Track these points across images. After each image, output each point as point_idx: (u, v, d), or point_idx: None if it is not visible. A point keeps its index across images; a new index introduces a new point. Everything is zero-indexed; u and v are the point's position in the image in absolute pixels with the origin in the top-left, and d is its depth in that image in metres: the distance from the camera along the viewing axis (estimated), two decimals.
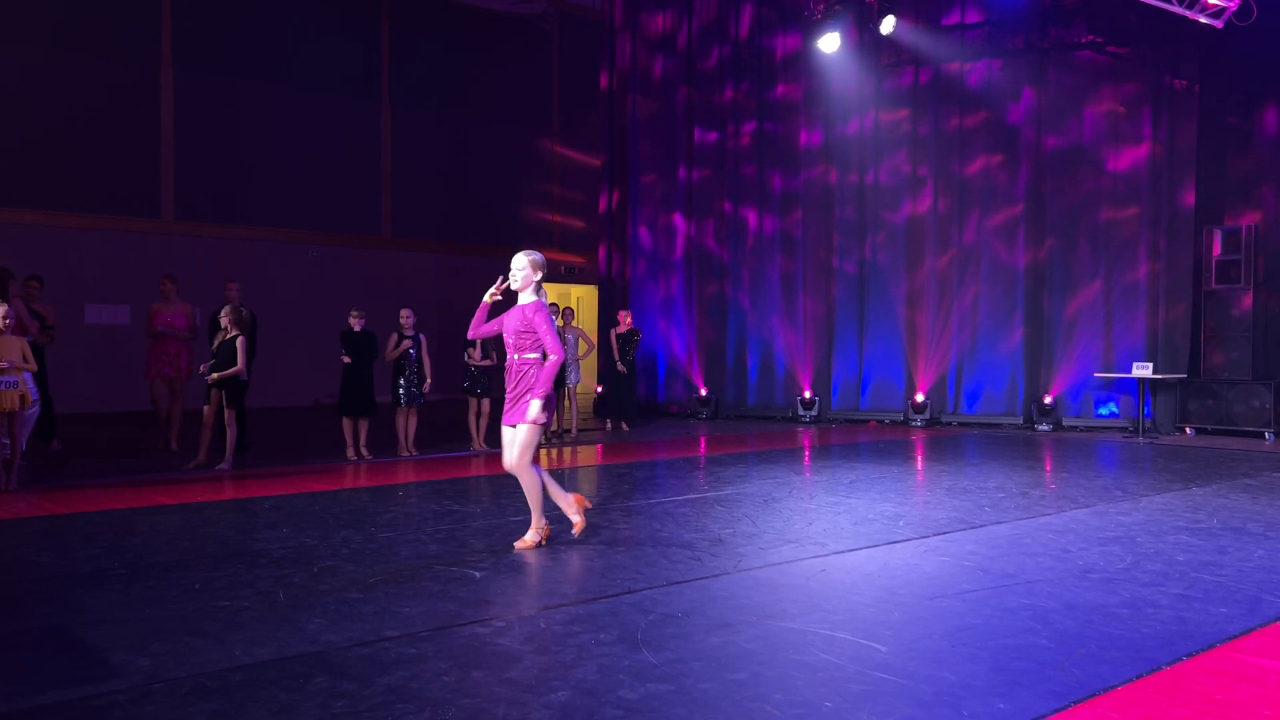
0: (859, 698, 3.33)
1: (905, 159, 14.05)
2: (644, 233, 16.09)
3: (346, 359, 9.65)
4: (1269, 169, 12.42)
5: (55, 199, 14.75)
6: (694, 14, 15.64)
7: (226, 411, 8.84)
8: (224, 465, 8.84)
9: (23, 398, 7.59)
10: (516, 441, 5.50)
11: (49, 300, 10.15)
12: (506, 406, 5.58)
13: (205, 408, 8.93)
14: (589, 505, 6.02)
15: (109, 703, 3.28)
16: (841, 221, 14.35)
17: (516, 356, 5.51)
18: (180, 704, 3.27)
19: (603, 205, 16.91)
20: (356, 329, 9.75)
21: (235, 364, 8.79)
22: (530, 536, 5.66)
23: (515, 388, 5.50)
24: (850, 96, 14.26)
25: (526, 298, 5.57)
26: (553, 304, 12.07)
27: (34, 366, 7.75)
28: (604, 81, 16.77)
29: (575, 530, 5.77)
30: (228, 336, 8.86)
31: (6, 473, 7.60)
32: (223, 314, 9.03)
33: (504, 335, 5.63)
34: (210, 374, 8.81)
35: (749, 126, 15.11)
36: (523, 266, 5.57)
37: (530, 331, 5.47)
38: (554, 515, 5.91)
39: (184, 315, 10.32)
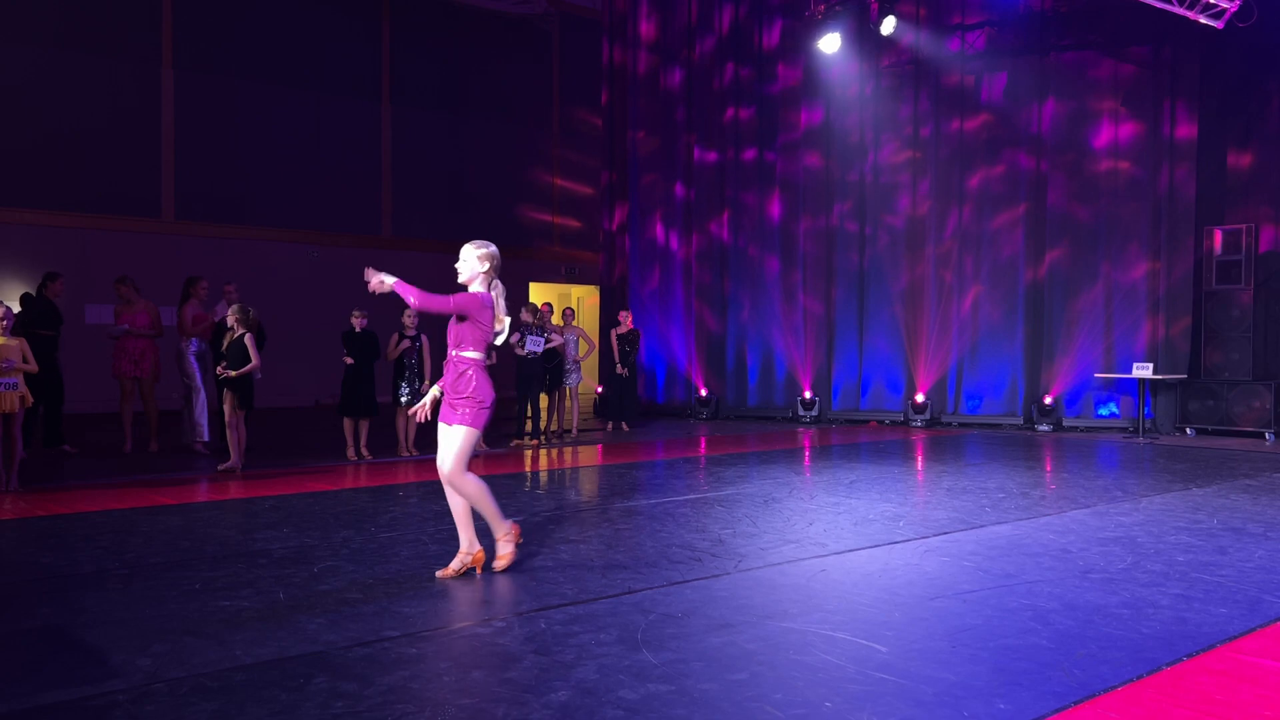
0: (859, 698, 3.33)
1: (905, 159, 14.04)
2: (645, 232, 16.08)
3: (348, 360, 9.65)
4: (1270, 169, 12.42)
5: (56, 199, 14.76)
6: (691, 5, 15.65)
7: (238, 412, 8.85)
8: (233, 464, 8.85)
9: (22, 399, 7.59)
10: (450, 446, 4.88)
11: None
12: (445, 403, 5.00)
13: (226, 406, 8.94)
14: (520, 541, 5.21)
15: (109, 703, 3.28)
16: (842, 221, 14.34)
17: (454, 353, 4.93)
18: (180, 704, 3.26)
19: (603, 204, 16.93)
20: (358, 329, 9.75)
21: (248, 362, 8.80)
22: (504, 549, 5.05)
23: (451, 387, 4.93)
24: (850, 97, 14.26)
25: (475, 289, 4.97)
26: (547, 303, 12.04)
27: (34, 367, 7.74)
28: (605, 77, 16.80)
29: (499, 563, 5.04)
30: (235, 335, 8.88)
31: (7, 473, 7.61)
32: (229, 314, 9.04)
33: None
34: (227, 373, 8.81)
35: (748, 124, 15.10)
36: (467, 258, 4.97)
37: (464, 328, 4.90)
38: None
39: (145, 314, 10.32)
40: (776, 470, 9.06)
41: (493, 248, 5.05)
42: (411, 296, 4.72)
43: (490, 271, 5.01)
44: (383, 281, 4.76)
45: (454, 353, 4.95)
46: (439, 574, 4.97)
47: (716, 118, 15.37)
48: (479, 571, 5.03)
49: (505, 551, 5.06)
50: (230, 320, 8.98)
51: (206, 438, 10.09)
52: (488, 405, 4.97)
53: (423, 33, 18.49)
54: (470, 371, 4.92)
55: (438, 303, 4.81)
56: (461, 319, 4.93)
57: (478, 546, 5.06)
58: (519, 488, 8.13)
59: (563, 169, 20.69)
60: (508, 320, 5.08)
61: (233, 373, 8.77)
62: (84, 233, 14.88)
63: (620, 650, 3.81)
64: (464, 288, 5.02)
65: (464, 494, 4.94)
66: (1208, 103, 12.40)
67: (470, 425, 4.89)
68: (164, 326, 10.59)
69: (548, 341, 11.19)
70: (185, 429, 10.19)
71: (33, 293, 10.26)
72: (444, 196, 18.66)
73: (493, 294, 5.01)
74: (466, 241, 5.11)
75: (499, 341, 5.09)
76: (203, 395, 10.06)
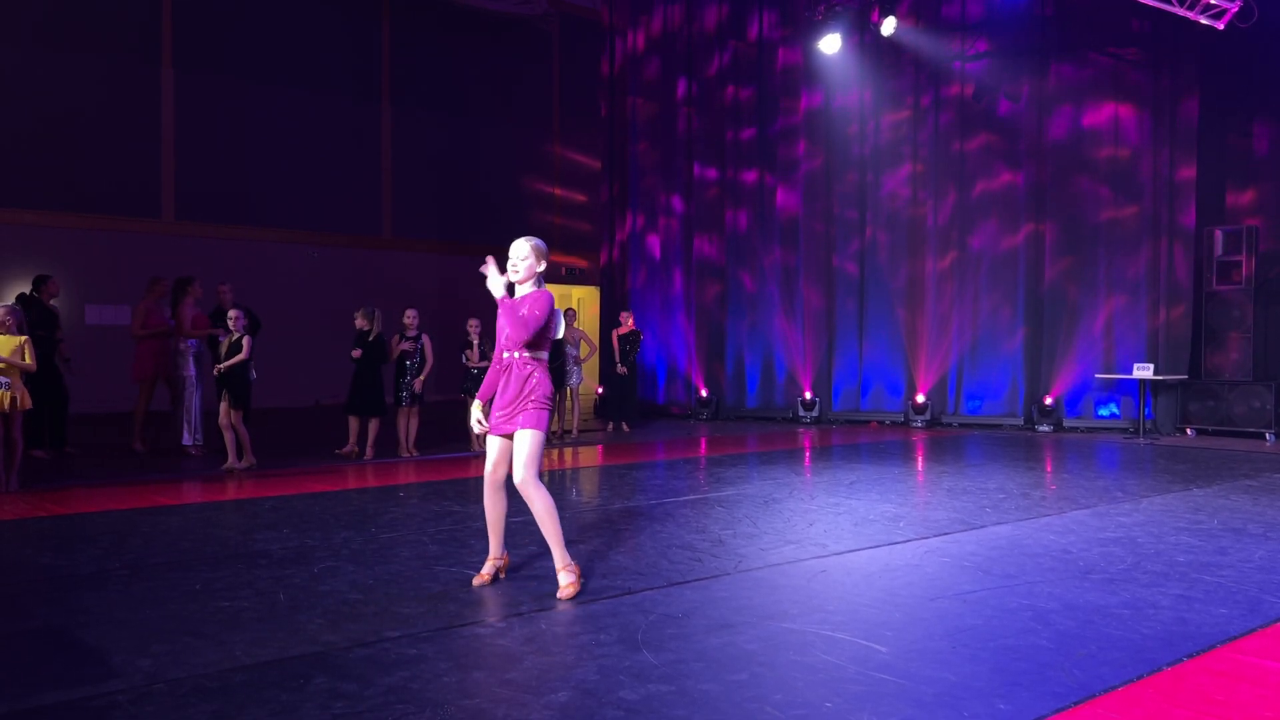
0: (859, 698, 3.33)
1: (906, 160, 14.04)
2: (645, 233, 16.09)
3: (356, 352, 9.70)
4: (1270, 169, 12.42)
5: (55, 199, 14.76)
6: (689, 9, 15.66)
7: (234, 412, 8.86)
8: (247, 462, 8.86)
9: (17, 399, 7.48)
10: (521, 452, 4.66)
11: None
12: (498, 411, 4.77)
13: (222, 406, 8.95)
14: (501, 574, 4.99)
15: (109, 703, 3.28)
16: (842, 222, 14.34)
17: (516, 355, 4.76)
18: (180, 705, 3.26)
19: (605, 205, 16.93)
20: (360, 328, 9.79)
21: (243, 362, 8.84)
22: (567, 579, 4.68)
23: (516, 391, 4.73)
24: (850, 99, 14.26)
25: (526, 290, 4.82)
26: None
27: (31, 366, 7.62)
28: (604, 86, 16.80)
29: (563, 593, 4.64)
30: (235, 337, 8.92)
31: (6, 473, 7.59)
32: (230, 317, 9.04)
33: (498, 332, 4.87)
34: (218, 368, 8.85)
35: (749, 129, 15.10)
36: (525, 255, 4.79)
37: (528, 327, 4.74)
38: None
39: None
40: (777, 471, 9.06)
41: (542, 243, 4.92)
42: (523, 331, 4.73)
43: (544, 269, 4.88)
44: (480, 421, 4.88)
45: (515, 354, 4.77)
46: (475, 581, 4.90)
47: (717, 122, 15.35)
48: (503, 576, 5.00)
49: (568, 580, 4.69)
50: (231, 325, 9.01)
51: (192, 440, 10.02)
52: (551, 404, 4.84)
53: (422, 33, 18.49)
54: (537, 372, 4.77)
55: (530, 331, 4.75)
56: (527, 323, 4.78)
57: (505, 551, 5.04)
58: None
59: (563, 168, 20.70)
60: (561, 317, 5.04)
61: (221, 366, 8.80)
62: (84, 233, 14.88)
63: (620, 651, 3.81)
64: (511, 288, 4.87)
65: (534, 508, 4.70)
66: (1208, 102, 12.38)
67: (536, 428, 4.71)
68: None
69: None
70: (180, 429, 10.19)
71: (26, 294, 10.24)
72: (444, 196, 18.66)
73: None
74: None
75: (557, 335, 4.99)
76: (196, 396, 10.04)
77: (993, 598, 4.60)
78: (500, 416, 4.78)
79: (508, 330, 4.78)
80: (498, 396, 4.82)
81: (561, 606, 4.45)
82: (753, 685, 3.45)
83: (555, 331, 4.91)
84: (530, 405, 4.71)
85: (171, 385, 10.15)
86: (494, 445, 4.85)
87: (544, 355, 4.84)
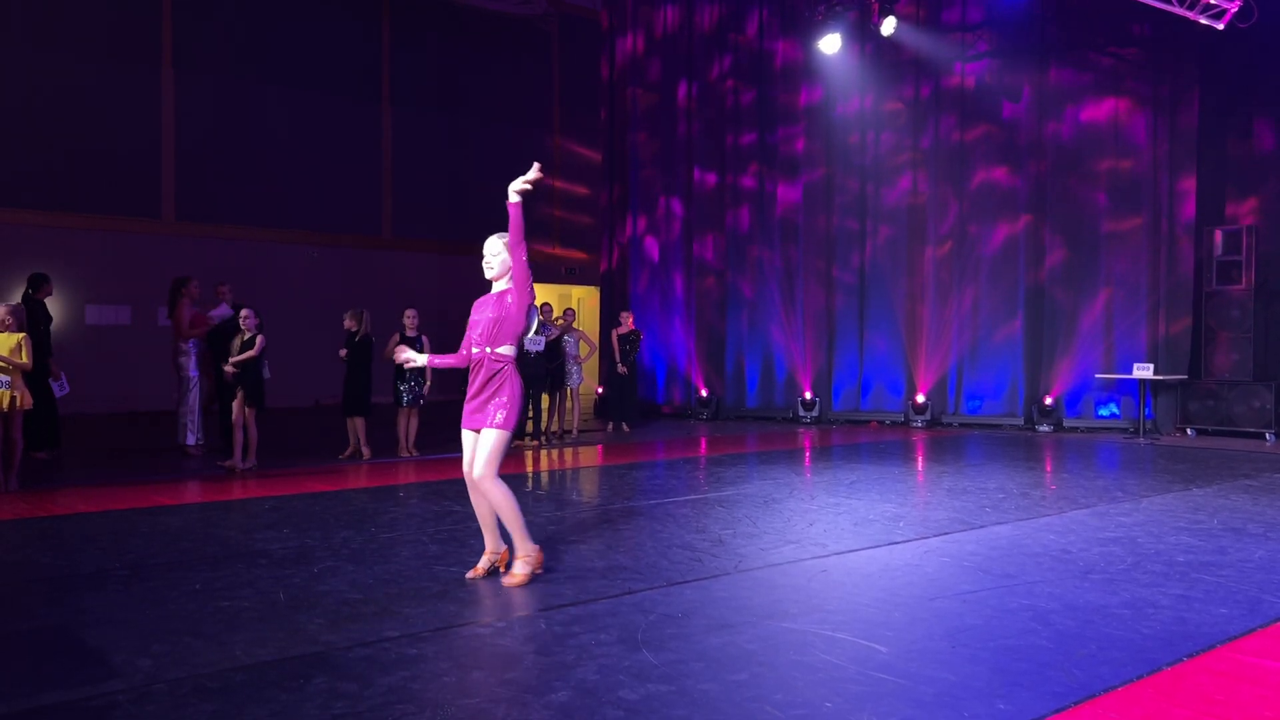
0: (859, 698, 3.33)
1: (906, 160, 14.03)
2: (645, 233, 16.09)
3: (342, 352, 9.76)
4: (1270, 170, 12.41)
5: (55, 199, 14.77)
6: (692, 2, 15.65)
7: (247, 410, 8.88)
8: (233, 462, 8.87)
9: (17, 398, 7.45)
10: (484, 449, 4.72)
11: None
12: (468, 406, 4.83)
13: (235, 404, 8.95)
14: (539, 570, 4.95)
15: (109, 703, 3.28)
16: (842, 223, 14.34)
17: (488, 350, 4.77)
18: (180, 704, 3.26)
19: (605, 205, 16.94)
20: (349, 328, 9.83)
21: (256, 359, 8.86)
22: (519, 569, 4.82)
23: (483, 389, 4.76)
24: (850, 99, 14.25)
25: (502, 285, 4.85)
26: (546, 303, 12.00)
27: (27, 364, 7.51)
28: (604, 89, 16.80)
29: (510, 580, 4.78)
30: (247, 337, 8.94)
31: (6, 473, 7.58)
32: (243, 317, 9.04)
33: (470, 328, 4.87)
34: (231, 365, 8.86)
35: (749, 129, 15.10)
36: (498, 251, 4.83)
37: (506, 320, 4.77)
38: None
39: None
40: (777, 471, 9.06)
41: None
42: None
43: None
44: (411, 359, 5.00)
45: (488, 349, 4.78)
46: (469, 575, 4.96)
47: (717, 123, 15.33)
48: (503, 570, 5.01)
49: (521, 572, 4.81)
50: (243, 323, 9.03)
51: (194, 440, 10.02)
52: (520, 404, 4.84)
53: (423, 33, 18.50)
54: (506, 370, 4.79)
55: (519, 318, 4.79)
56: (504, 315, 4.78)
57: (503, 546, 5.06)
58: (520, 488, 8.11)
59: (563, 169, 20.70)
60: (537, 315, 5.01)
61: (232, 359, 8.81)
62: (84, 233, 14.88)
63: (620, 650, 3.81)
64: (488, 286, 4.88)
65: (492, 501, 4.78)
66: (1208, 102, 12.38)
67: (503, 428, 4.74)
68: (162, 327, 10.60)
69: (546, 336, 11.25)
70: (183, 429, 10.19)
71: (28, 295, 10.22)
72: (444, 196, 18.66)
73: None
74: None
75: (530, 335, 4.96)
76: (194, 395, 10.03)
77: (993, 598, 4.60)
78: (470, 411, 4.84)
79: (480, 325, 4.82)
80: (469, 390, 4.85)
81: (562, 606, 4.45)
82: (753, 685, 3.45)
83: (528, 329, 4.86)
84: (498, 404, 4.75)
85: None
86: (468, 442, 4.88)
87: (513, 353, 4.83)
